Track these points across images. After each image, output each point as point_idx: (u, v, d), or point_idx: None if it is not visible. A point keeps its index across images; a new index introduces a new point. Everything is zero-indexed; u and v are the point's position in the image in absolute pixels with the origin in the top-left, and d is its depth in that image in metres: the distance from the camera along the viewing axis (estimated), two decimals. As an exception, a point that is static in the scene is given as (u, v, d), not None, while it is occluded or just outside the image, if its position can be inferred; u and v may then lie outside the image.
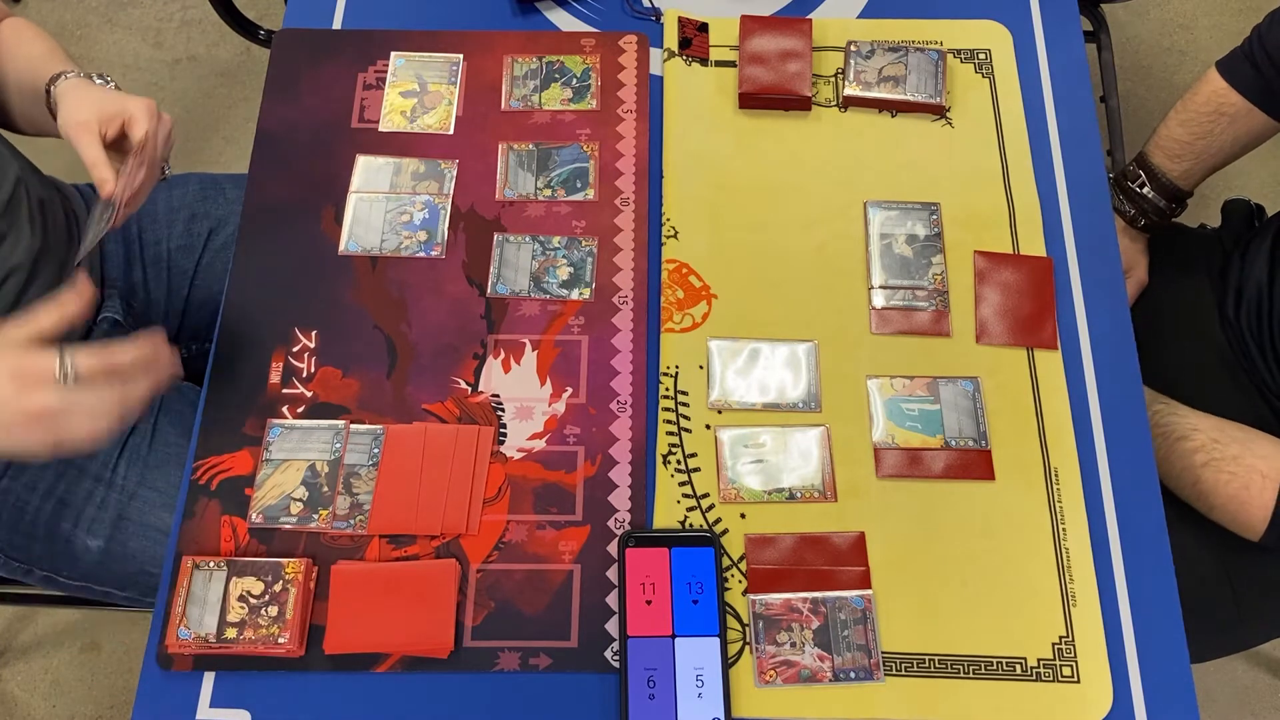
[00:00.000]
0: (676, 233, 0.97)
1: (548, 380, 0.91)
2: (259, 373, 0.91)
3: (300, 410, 0.90)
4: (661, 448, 0.88)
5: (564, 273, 0.95)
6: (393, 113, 1.04)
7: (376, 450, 0.87)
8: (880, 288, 0.94)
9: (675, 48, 1.06)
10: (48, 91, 0.91)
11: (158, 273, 1.14)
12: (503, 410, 0.90)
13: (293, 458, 0.87)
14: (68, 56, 0.94)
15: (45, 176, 1.07)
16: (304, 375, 0.91)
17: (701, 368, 0.91)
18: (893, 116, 1.03)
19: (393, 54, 1.06)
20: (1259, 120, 1.10)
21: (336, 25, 1.10)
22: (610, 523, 0.85)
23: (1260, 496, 0.94)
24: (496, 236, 0.97)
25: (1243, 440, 0.98)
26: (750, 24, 1.05)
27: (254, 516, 0.85)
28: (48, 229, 1.00)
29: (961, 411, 0.89)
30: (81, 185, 1.14)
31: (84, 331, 1.05)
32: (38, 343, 0.71)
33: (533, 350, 0.92)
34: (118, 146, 0.87)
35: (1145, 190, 1.16)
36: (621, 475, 0.87)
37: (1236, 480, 0.95)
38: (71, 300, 0.74)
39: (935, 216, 0.98)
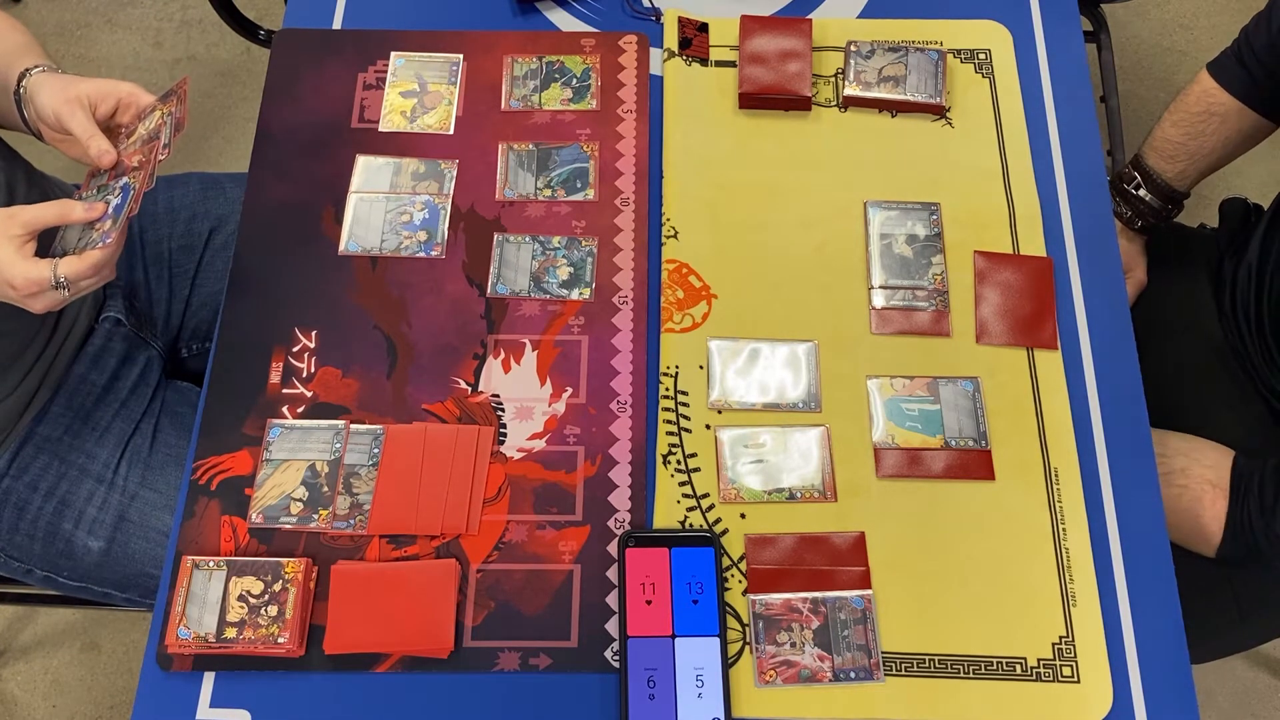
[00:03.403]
0: (676, 233, 0.97)
1: (548, 380, 0.91)
2: (259, 373, 0.91)
3: (300, 410, 0.90)
4: (661, 448, 0.88)
5: (564, 273, 0.95)
6: (393, 113, 1.04)
7: (376, 450, 0.87)
8: (880, 288, 0.94)
9: (675, 48, 1.06)
10: (19, 83, 0.90)
11: (159, 272, 1.14)
12: (503, 410, 0.90)
13: (293, 458, 0.87)
14: (45, 53, 0.94)
15: (42, 177, 1.07)
16: (304, 375, 0.91)
17: (701, 368, 0.91)
18: (893, 116, 1.03)
19: (393, 54, 1.06)
20: (1250, 120, 1.11)
21: (336, 25, 1.10)
22: (610, 523, 0.85)
23: (1213, 507, 0.95)
24: (496, 236, 0.97)
25: (1187, 451, 0.98)
26: (750, 24, 1.05)
27: (254, 516, 0.85)
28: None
29: (961, 411, 0.89)
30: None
31: (86, 332, 1.06)
32: (34, 243, 0.81)
33: (533, 350, 0.92)
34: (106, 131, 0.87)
35: (1141, 192, 1.16)
36: (621, 475, 0.87)
37: (1188, 493, 0.96)
38: (77, 209, 0.82)
39: (935, 216, 0.98)
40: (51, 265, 0.80)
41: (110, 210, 0.82)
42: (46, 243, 0.84)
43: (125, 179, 0.84)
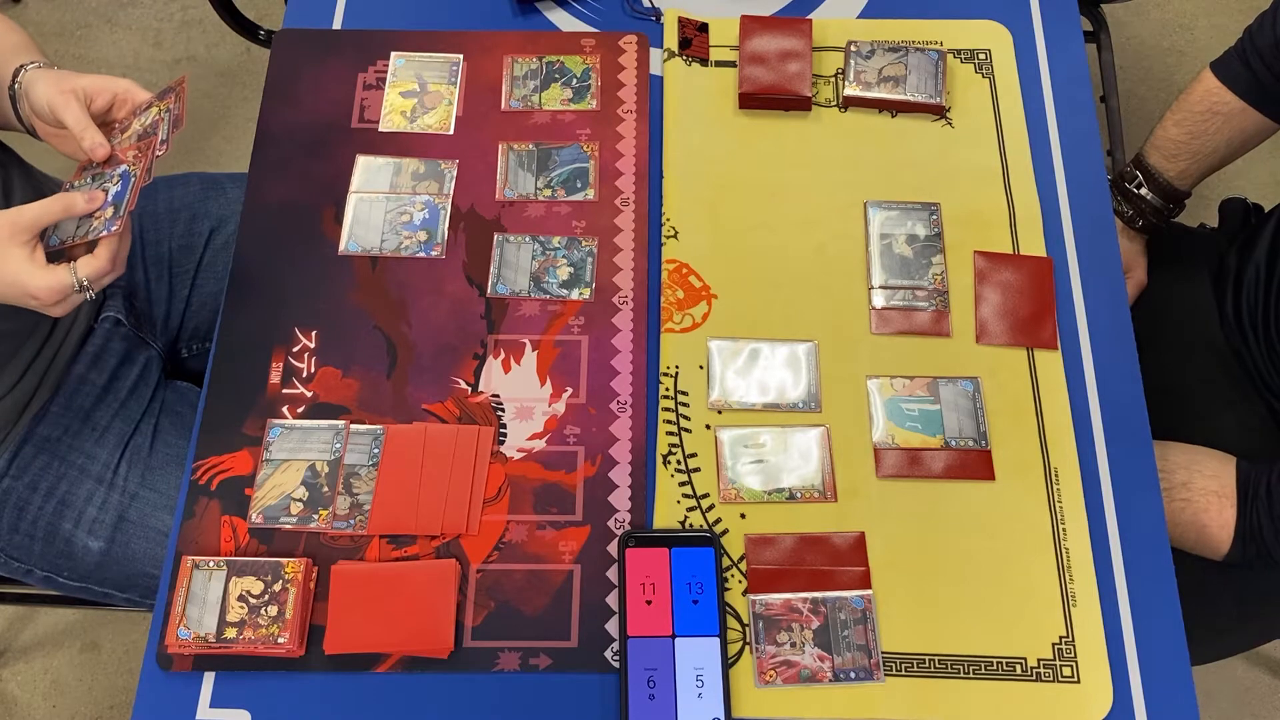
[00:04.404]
0: (676, 233, 0.97)
1: (548, 380, 0.91)
2: (259, 373, 0.91)
3: (300, 410, 0.90)
4: (661, 448, 0.88)
5: (564, 273, 0.95)
6: (393, 113, 1.04)
7: (376, 450, 0.87)
8: (880, 288, 0.94)
9: (675, 48, 1.06)
10: (14, 79, 0.89)
11: (159, 272, 1.14)
12: (503, 410, 0.90)
13: (293, 458, 0.87)
14: (41, 52, 0.93)
15: (39, 176, 1.07)
16: (304, 375, 0.91)
17: (701, 368, 0.91)
18: (893, 116, 1.03)
19: (393, 54, 1.06)
20: (1253, 119, 1.10)
21: (336, 25, 1.10)
22: (610, 523, 0.85)
23: (1220, 517, 0.95)
24: (496, 236, 0.97)
25: (1187, 464, 0.98)
26: (750, 24, 1.05)
27: (254, 516, 0.85)
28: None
29: (961, 411, 0.89)
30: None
31: (85, 331, 1.06)
32: (40, 243, 0.80)
33: (533, 350, 0.92)
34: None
35: (1142, 191, 1.16)
36: (621, 475, 0.87)
37: (1192, 505, 0.96)
38: (79, 200, 0.81)
39: (935, 216, 0.98)
40: (70, 270, 0.80)
41: (110, 199, 0.82)
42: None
43: (124, 166, 0.83)
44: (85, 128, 0.84)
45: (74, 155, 0.90)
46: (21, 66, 0.89)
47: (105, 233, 0.80)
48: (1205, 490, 0.95)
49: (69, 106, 0.84)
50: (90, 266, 0.80)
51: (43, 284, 0.79)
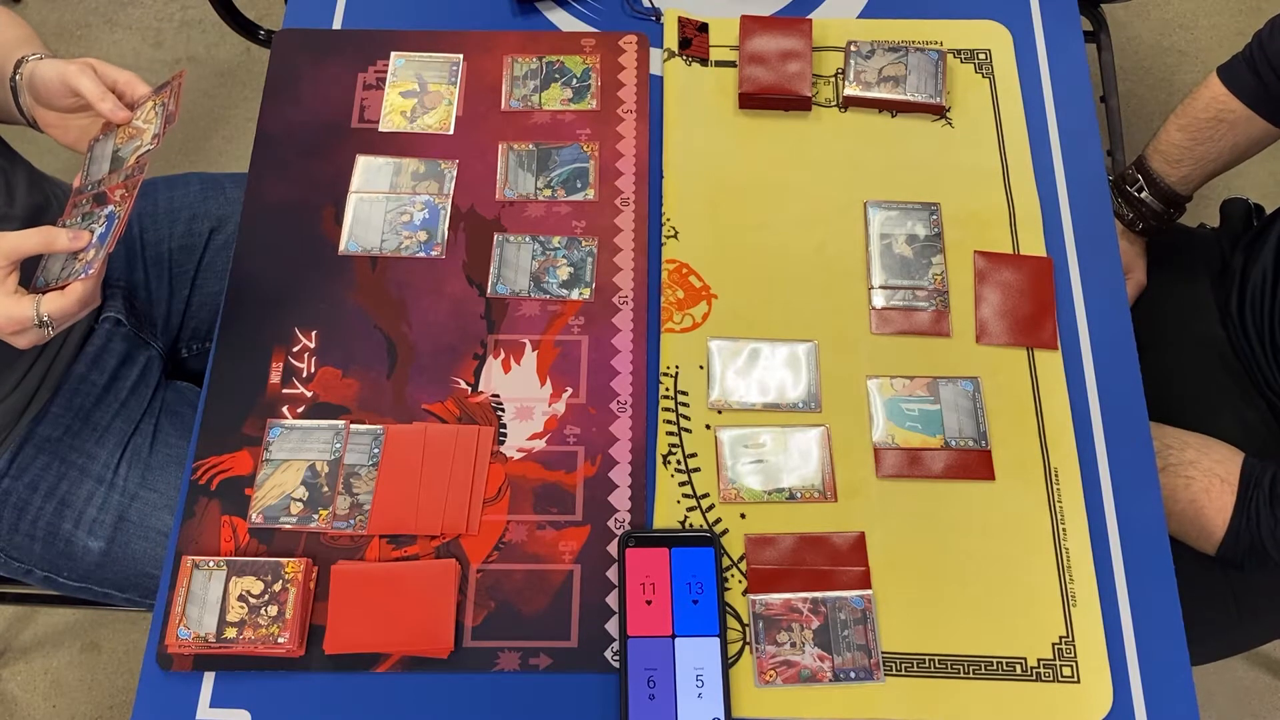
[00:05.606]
0: (676, 233, 0.97)
1: (548, 380, 0.91)
2: (259, 373, 0.91)
3: (300, 410, 0.90)
4: (661, 448, 0.88)
5: (564, 273, 0.95)
6: (393, 113, 1.04)
7: (376, 450, 0.88)
8: (880, 288, 0.94)
9: (675, 48, 1.06)
10: (15, 70, 0.89)
11: (159, 272, 1.14)
12: (503, 410, 0.90)
13: (293, 458, 0.87)
14: (45, 46, 0.93)
15: (42, 177, 1.07)
16: (304, 375, 0.91)
17: (701, 368, 0.91)
18: (893, 116, 1.03)
19: (393, 54, 1.06)
20: (1259, 127, 1.10)
21: (336, 25, 1.10)
22: (610, 523, 0.85)
23: (1219, 500, 0.95)
24: (496, 236, 0.97)
25: (1198, 446, 0.99)
26: (750, 24, 1.05)
27: (254, 516, 0.85)
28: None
29: (961, 411, 0.89)
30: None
31: (86, 332, 1.06)
32: (16, 274, 0.78)
33: (533, 350, 0.92)
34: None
35: (1143, 195, 1.16)
36: (621, 475, 0.87)
37: (1195, 484, 0.96)
38: (62, 237, 0.79)
39: (935, 216, 0.98)
40: (34, 303, 0.77)
41: (95, 239, 0.81)
42: (29, 269, 0.82)
43: (110, 207, 0.82)
44: (103, 94, 0.84)
45: (74, 146, 0.89)
46: (23, 59, 0.89)
47: (84, 275, 0.78)
48: (1210, 471, 0.96)
49: (84, 74, 0.84)
50: (54, 304, 0.78)
51: (1, 311, 0.77)
